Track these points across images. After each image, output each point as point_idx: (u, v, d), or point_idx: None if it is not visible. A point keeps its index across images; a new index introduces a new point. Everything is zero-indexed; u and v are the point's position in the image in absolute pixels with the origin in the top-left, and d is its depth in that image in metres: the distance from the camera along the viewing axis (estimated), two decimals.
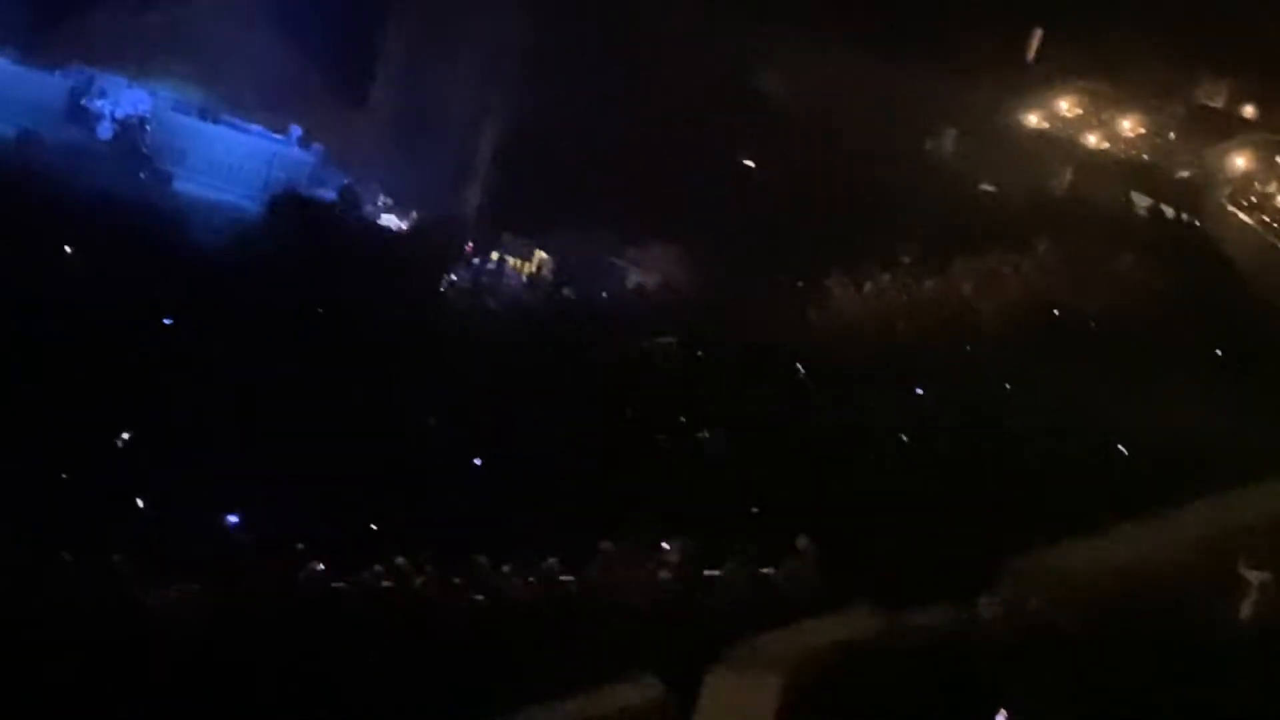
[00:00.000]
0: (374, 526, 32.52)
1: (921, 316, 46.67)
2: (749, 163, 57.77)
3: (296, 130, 58.30)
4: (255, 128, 58.36)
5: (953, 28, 55.25)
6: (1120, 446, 37.06)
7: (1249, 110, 58.01)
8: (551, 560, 28.54)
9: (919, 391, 42.10)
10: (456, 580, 28.13)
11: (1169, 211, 52.68)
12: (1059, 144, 57.61)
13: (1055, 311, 45.75)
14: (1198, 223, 51.93)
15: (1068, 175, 56.20)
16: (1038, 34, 56.96)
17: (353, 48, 57.66)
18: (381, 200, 57.59)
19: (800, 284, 49.81)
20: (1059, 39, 56.89)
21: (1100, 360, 41.23)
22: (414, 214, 57.54)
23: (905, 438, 39.23)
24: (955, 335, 45.38)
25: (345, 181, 57.58)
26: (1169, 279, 45.95)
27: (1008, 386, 41.24)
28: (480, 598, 27.87)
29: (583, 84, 55.37)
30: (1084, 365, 40.64)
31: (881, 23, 54.98)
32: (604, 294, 55.36)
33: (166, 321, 43.25)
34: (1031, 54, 57.32)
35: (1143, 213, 53.18)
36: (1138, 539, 21.11)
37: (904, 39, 54.82)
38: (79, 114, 56.65)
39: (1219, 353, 41.24)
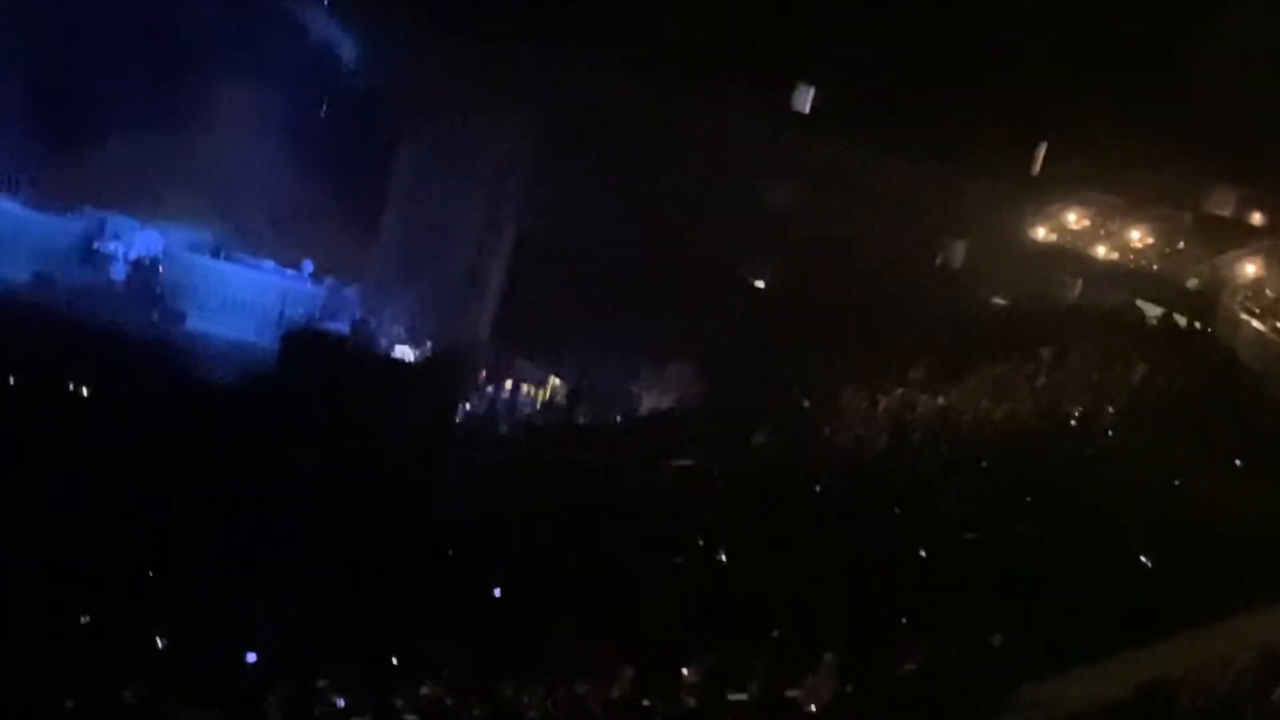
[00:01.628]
0: (394, 659, 32.29)
1: (936, 430, 46.48)
2: (759, 283, 57.94)
3: (308, 265, 58.72)
4: (267, 264, 58.82)
5: (959, 142, 55.63)
6: (1143, 558, 36.79)
7: (1257, 217, 58.16)
8: (573, 686, 28.32)
9: (936, 506, 41.84)
10: (478, 710, 27.90)
11: (1181, 320, 52.65)
12: (1068, 255, 57.74)
13: (1071, 422, 45.54)
14: (1210, 330, 51.86)
15: (1078, 286, 56.29)
16: (1043, 147, 57.33)
17: (361, 182, 58.16)
18: (395, 332, 57.79)
19: (814, 401, 49.70)
20: (1065, 151, 57.23)
21: (1118, 470, 41.00)
22: (427, 344, 57.71)
23: (923, 553, 38.96)
24: (970, 448, 45.16)
25: (358, 314, 57.88)
26: (1183, 387, 45.78)
27: (1025, 499, 40.98)
28: None
29: (590, 209, 55.73)
30: (1101, 475, 40.43)
31: (889, 139, 55.36)
32: (618, 418, 55.35)
33: (182, 460, 43.17)
34: (1037, 166, 57.65)
35: (1154, 322, 53.15)
36: (1163, 658, 20.95)
37: (911, 155, 55.20)
38: (92, 256, 57.19)
39: (1238, 462, 40.96)
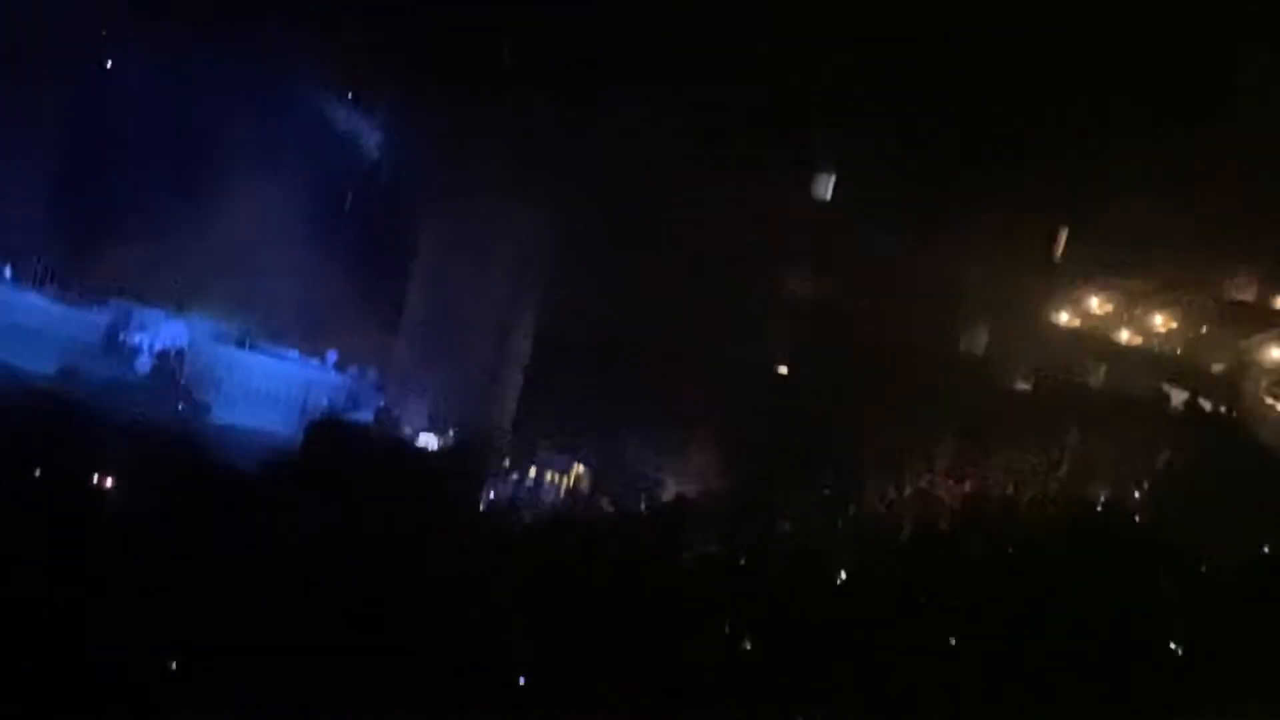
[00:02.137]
0: None
1: (961, 516, 46.39)
2: (782, 369, 57.91)
3: (332, 355, 58.83)
4: (291, 354, 58.93)
5: (981, 228, 55.71)
6: (1171, 644, 36.63)
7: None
8: None
9: (963, 592, 41.70)
10: None
11: (1206, 404, 52.55)
12: (1092, 340, 57.64)
13: (1098, 507, 45.48)
14: (1235, 414, 51.76)
15: (1102, 371, 56.18)
16: (1065, 232, 57.36)
17: (383, 273, 58.39)
18: (418, 421, 57.82)
19: (838, 488, 49.63)
20: (1088, 236, 57.25)
21: (1145, 555, 40.89)
22: (450, 432, 57.73)
23: (952, 640, 38.83)
24: (996, 534, 45.05)
25: (381, 403, 57.95)
26: (1209, 471, 45.68)
27: (1051, 584, 40.83)
28: None
29: (612, 298, 55.84)
30: (1129, 560, 40.30)
31: (911, 225, 55.47)
32: (643, 505, 55.26)
33: (207, 548, 43.28)
34: (1060, 252, 57.66)
35: (1179, 406, 53.04)
36: None
37: (934, 241, 55.28)
38: (117, 348, 57.40)
39: (1265, 549, 40.85)
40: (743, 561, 45.64)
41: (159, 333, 57.46)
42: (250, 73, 57.90)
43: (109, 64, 58.70)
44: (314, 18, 56.68)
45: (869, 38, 56.30)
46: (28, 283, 58.14)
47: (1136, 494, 44.93)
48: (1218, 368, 55.34)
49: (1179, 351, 56.82)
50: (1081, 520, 44.88)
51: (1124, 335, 57.94)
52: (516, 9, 56.66)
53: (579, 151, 56.49)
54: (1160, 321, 57.65)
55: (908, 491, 48.55)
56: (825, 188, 59.22)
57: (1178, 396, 53.55)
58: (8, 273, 58.18)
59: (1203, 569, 38.73)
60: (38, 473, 45.73)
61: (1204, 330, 56.93)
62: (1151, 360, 56.56)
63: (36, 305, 57.46)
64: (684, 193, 56.12)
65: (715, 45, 56.14)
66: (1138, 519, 44.02)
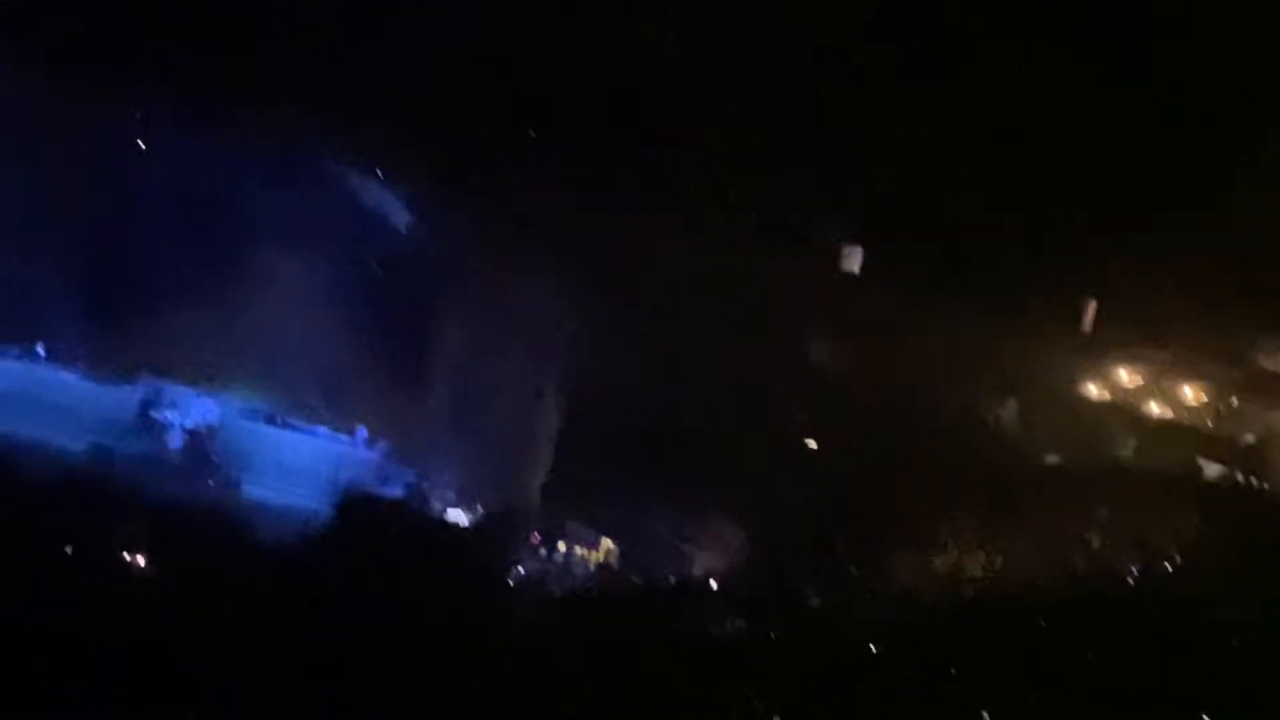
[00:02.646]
0: None
1: (991, 590, 46.23)
2: (810, 442, 57.92)
3: (362, 430, 59.13)
4: (321, 430, 59.28)
5: (1009, 300, 55.79)
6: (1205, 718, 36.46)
7: None
8: None
9: (995, 667, 41.53)
10: None
11: (1238, 476, 52.42)
12: (1121, 413, 57.55)
13: (1129, 580, 45.28)
14: (1267, 486, 51.62)
15: (1132, 444, 56.07)
16: (1092, 305, 57.42)
17: (410, 347, 58.75)
18: (447, 495, 57.98)
19: (867, 562, 49.51)
20: (1116, 309, 57.29)
21: (1177, 629, 40.71)
22: (480, 507, 57.85)
23: (986, 715, 38.69)
24: (1027, 608, 44.87)
25: (411, 478, 58.13)
26: (1242, 544, 45.50)
27: (1085, 659, 40.68)
28: None
29: (638, 370, 56.02)
30: (1161, 635, 40.13)
31: (938, 298, 55.59)
32: (671, 579, 55.22)
33: (238, 624, 43.33)
34: (1088, 325, 57.69)
35: (1210, 478, 52.91)
36: None
37: (961, 313, 55.38)
38: (149, 425, 57.81)
39: None
40: (773, 635, 45.47)
41: (190, 409, 57.84)
42: (279, 151, 58.55)
43: (142, 144, 59.38)
44: (343, 98, 57.25)
45: (898, 110, 56.62)
46: (61, 360, 58.72)
47: (1169, 567, 44.73)
48: (1249, 439, 55.24)
49: (1209, 423, 56.73)
50: (1113, 593, 44.67)
51: (1153, 407, 57.86)
52: (545, 89, 57.14)
53: (606, 226, 56.83)
54: (1190, 393, 57.57)
55: (937, 565, 48.38)
56: (854, 261, 59.43)
57: (1208, 468, 53.44)
58: (41, 351, 58.81)
59: (1235, 643, 38.52)
60: (69, 550, 45.89)
61: (1234, 402, 56.85)
62: (1181, 432, 56.45)
63: (69, 383, 58.00)
64: (711, 266, 56.39)
65: (741, 119, 56.54)
66: (1170, 592, 43.76)
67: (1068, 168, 55.97)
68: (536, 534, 57.52)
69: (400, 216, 61.30)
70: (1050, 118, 56.24)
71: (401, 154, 60.05)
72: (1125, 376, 58.39)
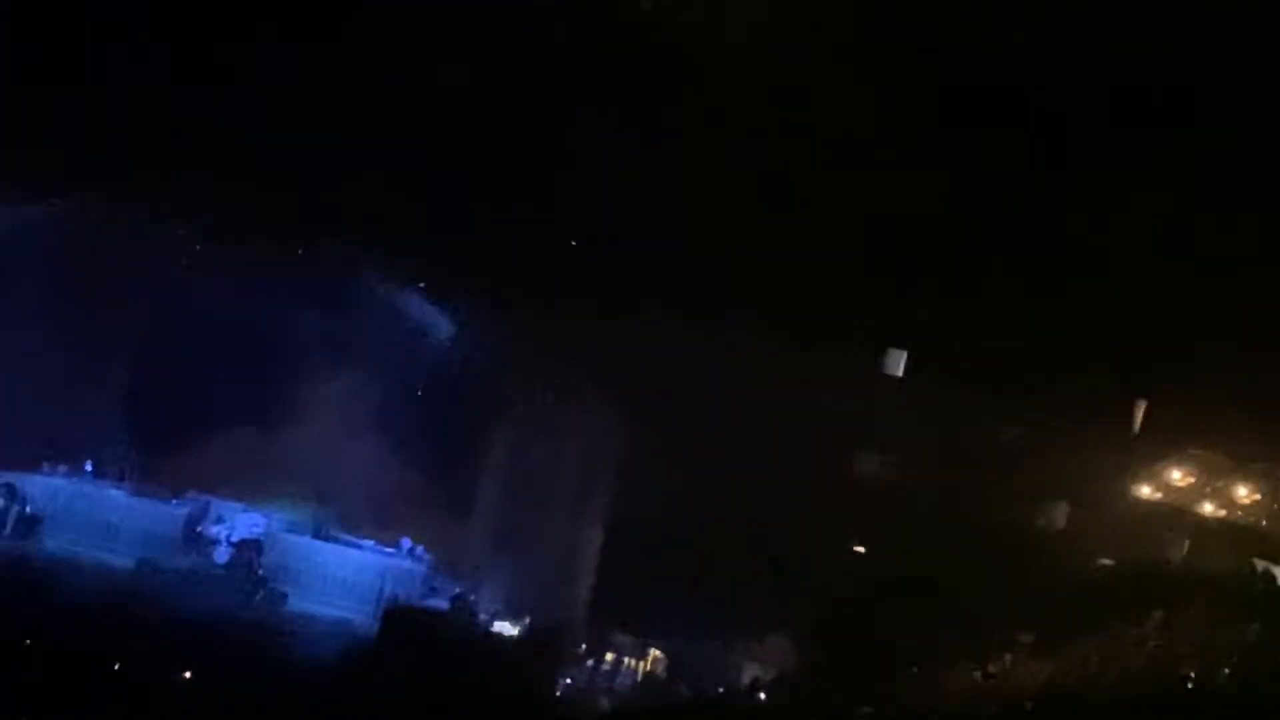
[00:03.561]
0: None
1: (1047, 698, 45.70)
2: (859, 550, 57.60)
3: (406, 542, 59.10)
4: (367, 543, 59.32)
5: (1056, 402, 55.47)
6: None
7: None
8: None
9: None
10: None
11: None
12: (1173, 514, 57.02)
13: (1188, 685, 44.73)
14: None
15: (1185, 545, 55.56)
16: (1141, 405, 57.03)
17: (456, 460, 58.87)
18: (493, 608, 57.83)
19: (919, 671, 49.08)
20: (1166, 408, 56.86)
21: None
22: (526, 619, 57.65)
23: None
24: (1084, 716, 44.34)
25: (457, 590, 58.04)
26: None
27: None
28: None
29: (683, 480, 55.88)
30: None
31: (985, 401, 55.37)
32: (720, 690, 54.87)
33: None
34: (1138, 425, 57.29)
35: (1266, 579, 52.32)
36: None
37: (1007, 416, 55.16)
38: (195, 541, 57.95)
39: None
40: None
41: (236, 524, 57.95)
42: (320, 268, 59.03)
43: (185, 264, 59.96)
44: (382, 214, 57.68)
45: (939, 213, 56.61)
46: (108, 478, 59.03)
47: (1226, 670, 44.20)
48: None
49: (1263, 523, 56.17)
50: (1172, 699, 44.11)
51: (1207, 508, 57.35)
52: (587, 203, 57.39)
53: (649, 339, 56.94)
54: (1243, 493, 57.06)
55: (991, 674, 47.91)
56: (898, 364, 59.25)
57: (1263, 569, 52.88)
58: (89, 468, 59.12)
59: None
60: (118, 666, 45.93)
61: None
62: (1234, 533, 55.91)
63: (117, 500, 58.22)
64: (752, 375, 56.38)
65: (780, 226, 56.62)
66: (1229, 696, 43.19)
67: (1112, 266, 55.73)
68: (583, 645, 57.27)
69: (444, 331, 61.58)
70: (1092, 218, 56.09)
71: (445, 269, 60.33)
72: (1176, 477, 57.89)
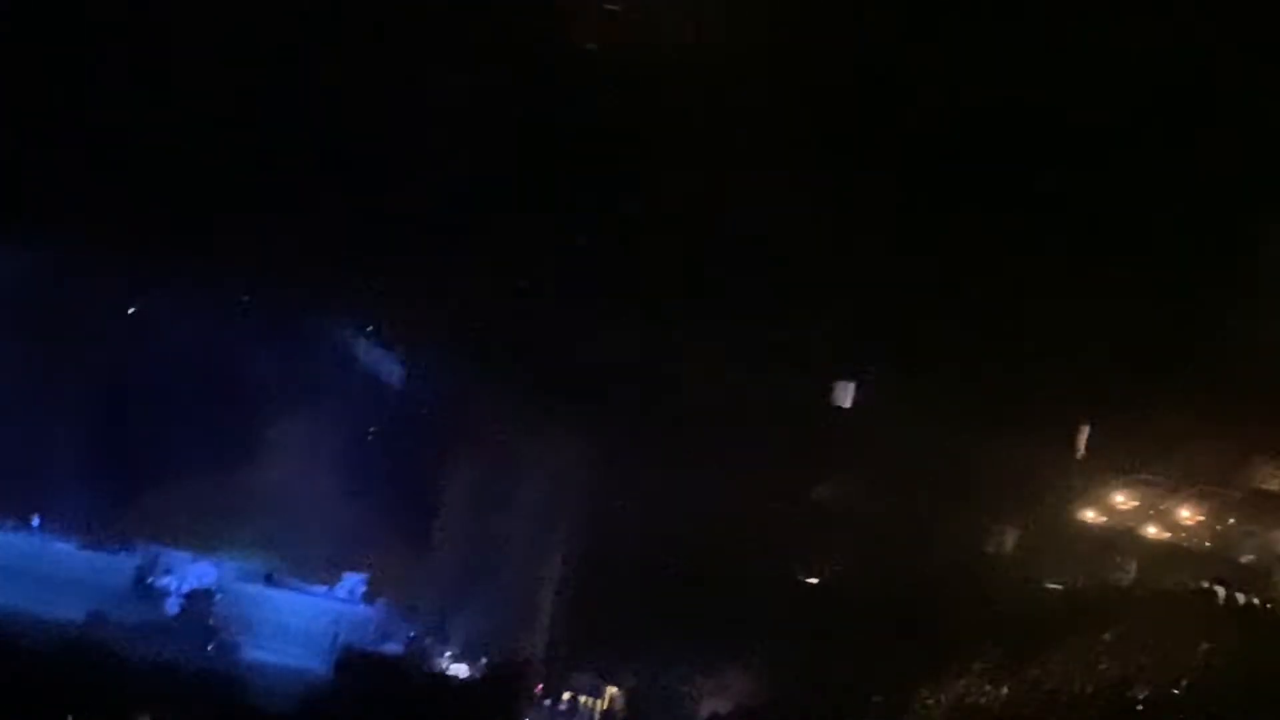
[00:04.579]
0: None
1: None
2: (811, 580, 57.71)
3: (360, 587, 58.97)
4: (319, 589, 59.12)
5: (1002, 428, 55.68)
6: None
7: None
8: None
9: None
10: None
11: (1239, 597, 52.07)
12: (1121, 537, 57.34)
13: (1138, 706, 44.92)
14: (1270, 605, 51.29)
15: (1131, 567, 55.83)
16: (1085, 429, 57.28)
17: (408, 503, 58.74)
18: (449, 650, 57.69)
19: (875, 700, 49.19)
20: (1110, 432, 57.15)
21: None
22: (482, 660, 57.55)
23: None
24: None
25: (411, 634, 57.86)
26: (1248, 664, 45.19)
27: None
28: None
29: (641, 518, 55.94)
30: None
31: (931, 429, 55.55)
32: None
33: None
34: (1081, 449, 57.54)
35: (1213, 599, 52.56)
36: None
37: (954, 443, 55.31)
38: (145, 592, 57.66)
39: None
40: None
41: (187, 574, 57.73)
42: (268, 311, 58.92)
43: (131, 312, 59.80)
44: (331, 253, 57.58)
45: (884, 240, 56.79)
46: (55, 531, 58.69)
47: (1175, 690, 44.38)
48: (1248, 559, 54.96)
49: (1208, 544, 56.48)
50: (1122, 718, 44.34)
51: (1151, 530, 57.66)
52: (537, 237, 57.40)
53: (603, 377, 56.98)
54: (1187, 515, 57.38)
55: (945, 698, 48.02)
56: (845, 396, 59.39)
57: (1210, 589, 53.12)
58: (35, 523, 58.78)
59: None
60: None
61: (1231, 522, 56.62)
62: (1181, 554, 56.21)
63: (64, 553, 57.92)
64: (710, 410, 56.47)
65: (739, 261, 56.73)
66: (1177, 715, 43.41)
67: (1057, 290, 55.99)
68: (540, 684, 57.16)
69: (395, 374, 61.50)
70: (1041, 241, 56.34)
71: (395, 311, 60.30)
72: (1122, 499, 58.23)
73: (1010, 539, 57.04)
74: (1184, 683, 44.29)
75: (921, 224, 56.33)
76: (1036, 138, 55.06)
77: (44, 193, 56.01)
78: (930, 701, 48.70)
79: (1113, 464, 57.68)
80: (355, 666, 53.62)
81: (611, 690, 57.21)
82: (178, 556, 58.18)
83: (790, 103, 54.47)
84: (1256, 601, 51.68)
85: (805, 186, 55.39)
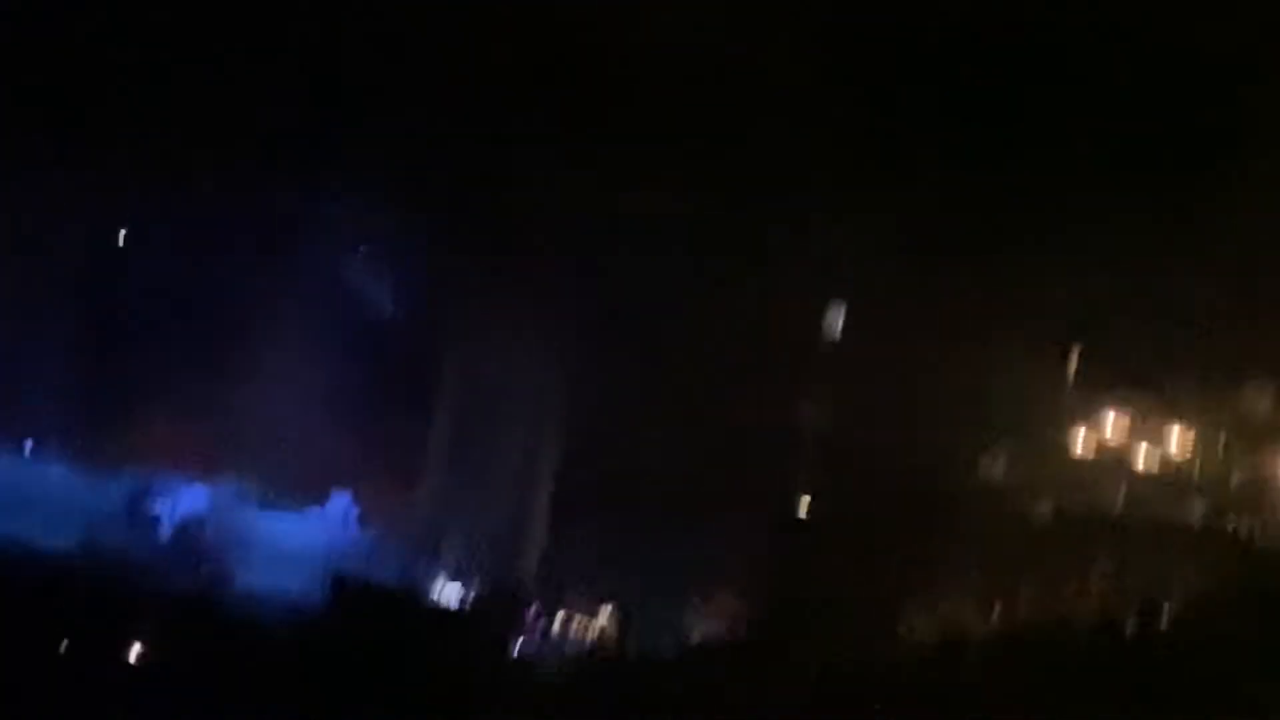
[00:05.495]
0: None
1: (987, 644, 46.12)
2: (802, 502, 57.84)
3: (353, 512, 59.04)
4: (312, 512, 59.18)
5: (992, 351, 55.62)
6: None
7: None
8: None
9: None
10: None
11: (1229, 519, 52.25)
12: (1110, 459, 57.30)
13: (1127, 630, 45.15)
14: (1260, 526, 51.44)
15: (1123, 491, 55.88)
16: (1075, 350, 57.18)
17: (401, 425, 58.77)
18: (442, 574, 57.84)
19: (863, 623, 49.40)
20: (1100, 354, 57.09)
21: (1178, 677, 40.59)
22: (476, 581, 57.73)
23: None
24: (1026, 663, 44.72)
25: (405, 558, 57.98)
26: (1238, 587, 45.41)
27: (1087, 713, 40.53)
28: None
29: (633, 438, 56.01)
30: (1162, 684, 40.01)
31: (921, 352, 55.50)
32: (673, 646, 55.08)
33: (234, 715, 43.40)
34: (1071, 371, 57.47)
35: (1203, 522, 52.74)
36: None
37: (943, 367, 55.28)
38: (138, 518, 57.55)
39: None
40: (776, 700, 45.35)
41: (180, 499, 57.71)
42: (257, 230, 58.74)
43: (121, 235, 59.58)
44: (320, 172, 57.38)
45: (875, 164, 56.59)
46: (47, 456, 58.68)
47: (1165, 614, 44.61)
48: (1238, 481, 55.00)
49: (1198, 467, 56.49)
50: (1111, 643, 44.57)
51: (1141, 452, 57.63)
52: (530, 157, 57.15)
53: (596, 293, 56.88)
54: (1177, 437, 57.34)
55: (933, 621, 48.27)
56: (834, 319, 59.28)
57: (1199, 512, 53.27)
58: (27, 448, 58.77)
59: (1234, 690, 38.32)
60: (63, 647, 45.90)
61: (1222, 444, 56.60)
62: (1171, 477, 56.25)
63: (56, 478, 57.88)
64: (699, 333, 56.42)
65: (726, 185, 56.56)
66: (1166, 640, 43.67)
67: (1046, 213, 55.83)
68: (533, 606, 57.38)
69: (385, 294, 61.33)
70: (1029, 163, 56.13)
71: (384, 231, 60.10)
72: (1112, 422, 58.16)
73: (1000, 462, 57.10)
74: (1173, 607, 44.56)
75: (908, 143, 56.18)
76: (1025, 50, 54.96)
77: (18, 102, 55.76)
78: (917, 625, 48.99)
79: (1102, 385, 57.63)
80: (348, 591, 53.79)
81: (605, 610, 57.44)
82: (170, 481, 58.13)
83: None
84: (1246, 524, 51.90)
85: (785, 105, 55.27)
